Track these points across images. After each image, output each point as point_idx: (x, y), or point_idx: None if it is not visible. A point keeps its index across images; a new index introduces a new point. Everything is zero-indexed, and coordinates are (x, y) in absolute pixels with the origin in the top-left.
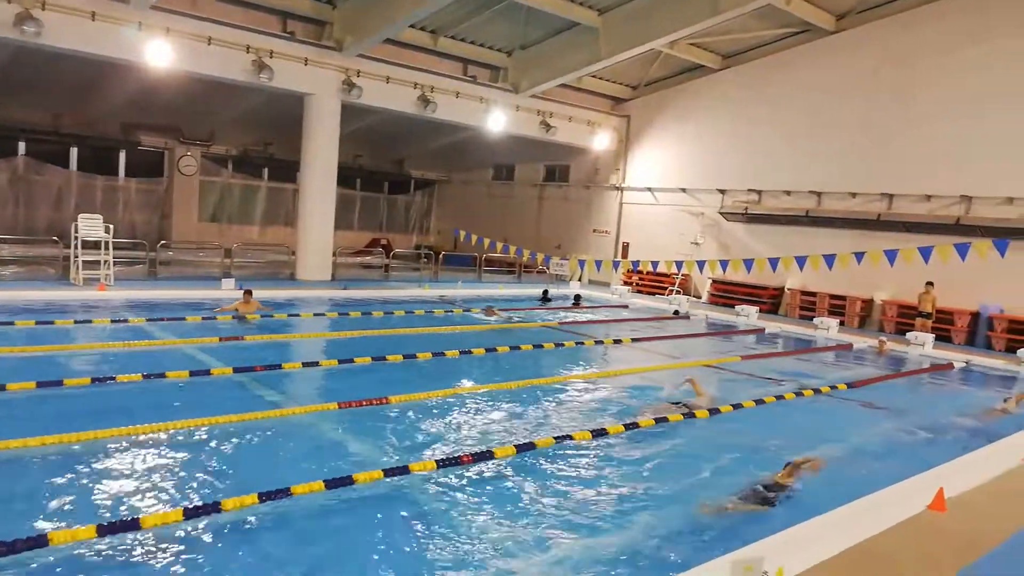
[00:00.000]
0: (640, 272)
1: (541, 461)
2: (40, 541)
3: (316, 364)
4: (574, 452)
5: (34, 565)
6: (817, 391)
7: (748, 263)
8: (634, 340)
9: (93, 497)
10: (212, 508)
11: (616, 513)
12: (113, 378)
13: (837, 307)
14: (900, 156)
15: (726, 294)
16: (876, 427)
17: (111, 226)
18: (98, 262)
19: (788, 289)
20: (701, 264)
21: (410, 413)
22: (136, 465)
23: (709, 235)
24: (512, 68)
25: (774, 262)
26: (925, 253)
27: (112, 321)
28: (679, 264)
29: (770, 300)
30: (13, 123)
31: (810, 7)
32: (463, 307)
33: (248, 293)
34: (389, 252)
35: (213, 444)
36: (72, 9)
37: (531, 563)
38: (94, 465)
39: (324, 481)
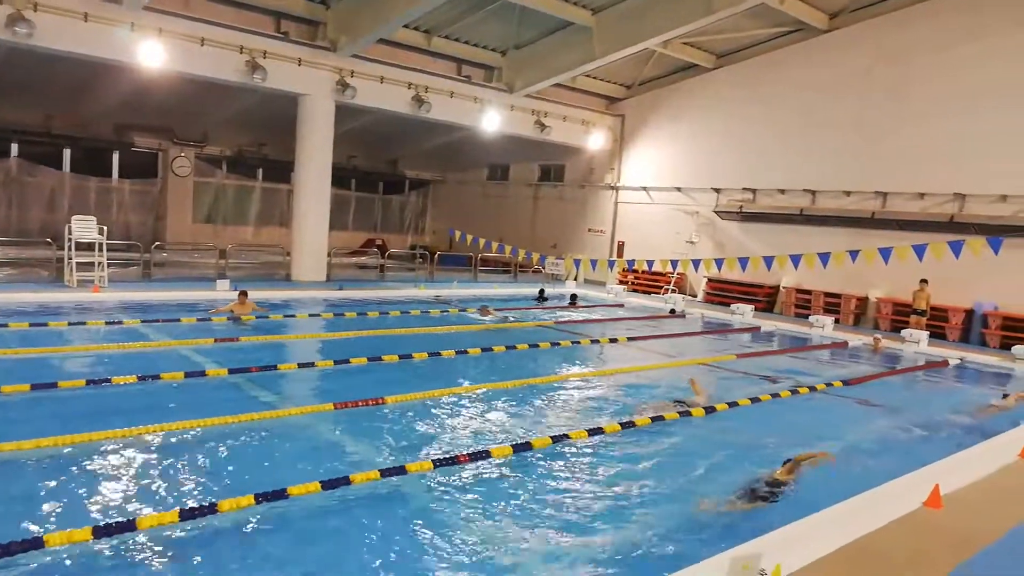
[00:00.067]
0: (635, 271)
1: (538, 460)
2: (36, 543)
3: (312, 365)
4: (571, 451)
5: (30, 567)
6: (813, 389)
7: (743, 262)
8: (630, 339)
9: (89, 499)
10: (208, 510)
11: (614, 511)
12: (108, 380)
13: (832, 305)
14: (894, 154)
15: (722, 293)
16: (872, 424)
17: (105, 228)
18: (92, 264)
19: (783, 287)
20: (696, 263)
21: (406, 413)
22: (132, 467)
23: (704, 234)
24: (506, 68)
25: (769, 260)
26: (919, 251)
27: (107, 323)
28: (674, 263)
29: (765, 298)
30: (6, 124)
31: (803, 6)
32: (458, 307)
33: (243, 294)
34: (384, 252)
35: (209, 446)
36: (64, 10)
37: (529, 562)
38: (89, 467)
39: (321, 482)
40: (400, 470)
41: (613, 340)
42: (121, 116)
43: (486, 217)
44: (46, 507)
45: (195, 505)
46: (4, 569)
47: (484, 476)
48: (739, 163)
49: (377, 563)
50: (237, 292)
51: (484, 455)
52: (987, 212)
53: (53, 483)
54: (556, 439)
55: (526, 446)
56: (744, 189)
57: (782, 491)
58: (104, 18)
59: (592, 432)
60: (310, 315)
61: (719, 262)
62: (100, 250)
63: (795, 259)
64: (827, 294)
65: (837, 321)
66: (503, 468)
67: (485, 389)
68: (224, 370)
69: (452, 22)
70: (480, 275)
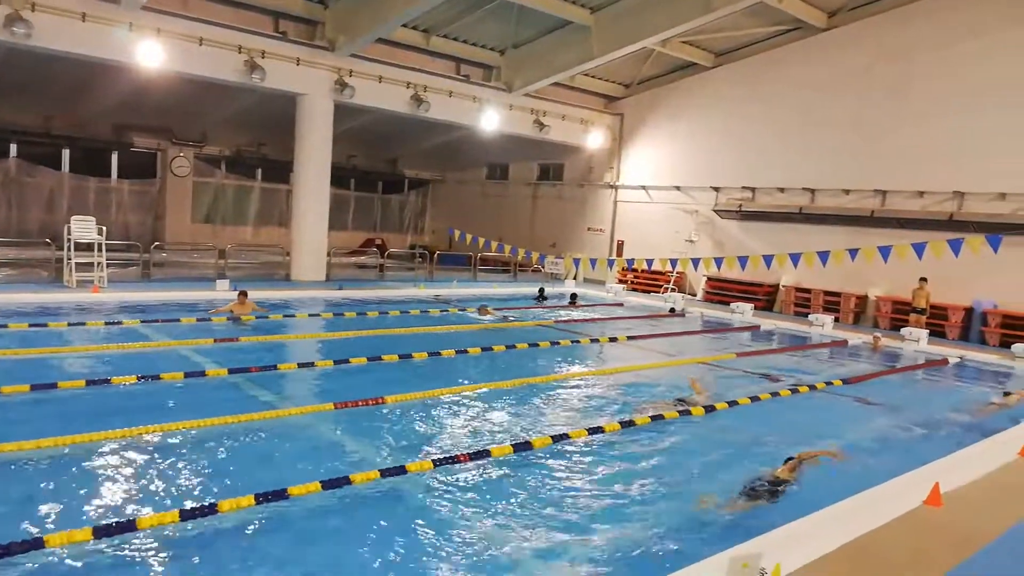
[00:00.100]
0: (635, 270)
1: (538, 460)
2: (36, 544)
3: (312, 365)
4: (571, 451)
5: (30, 567)
6: (813, 387)
7: (743, 260)
8: (630, 338)
9: (89, 499)
10: (208, 510)
11: (614, 510)
12: (108, 380)
13: (832, 304)
14: (893, 153)
15: (721, 291)
16: (872, 423)
17: (104, 228)
18: (91, 264)
19: (783, 286)
20: (696, 262)
21: (406, 413)
22: (132, 467)
23: (703, 233)
24: (505, 67)
25: (768, 259)
26: (919, 249)
27: (106, 323)
28: (674, 262)
29: (765, 297)
30: (4, 125)
31: (802, 4)
32: (458, 306)
33: (243, 294)
34: (384, 252)
35: (209, 446)
36: (62, 10)
37: (529, 561)
38: (90, 467)
39: (321, 482)
40: (400, 470)
41: (613, 339)
42: (120, 116)
43: (485, 216)
44: (46, 507)
45: (195, 505)
46: (5, 570)
47: (484, 476)
48: (738, 162)
49: (377, 563)
50: (237, 292)
51: (484, 454)
52: (986, 210)
53: (53, 483)
54: (556, 438)
55: (526, 445)
56: (743, 188)
57: (783, 489)
58: (102, 18)
59: (592, 431)
60: (310, 315)
61: (718, 261)
62: (99, 250)
63: (794, 258)
64: (827, 293)
65: (837, 320)
66: (503, 467)
67: (485, 389)
68: (224, 370)
69: (451, 21)
70: (480, 274)
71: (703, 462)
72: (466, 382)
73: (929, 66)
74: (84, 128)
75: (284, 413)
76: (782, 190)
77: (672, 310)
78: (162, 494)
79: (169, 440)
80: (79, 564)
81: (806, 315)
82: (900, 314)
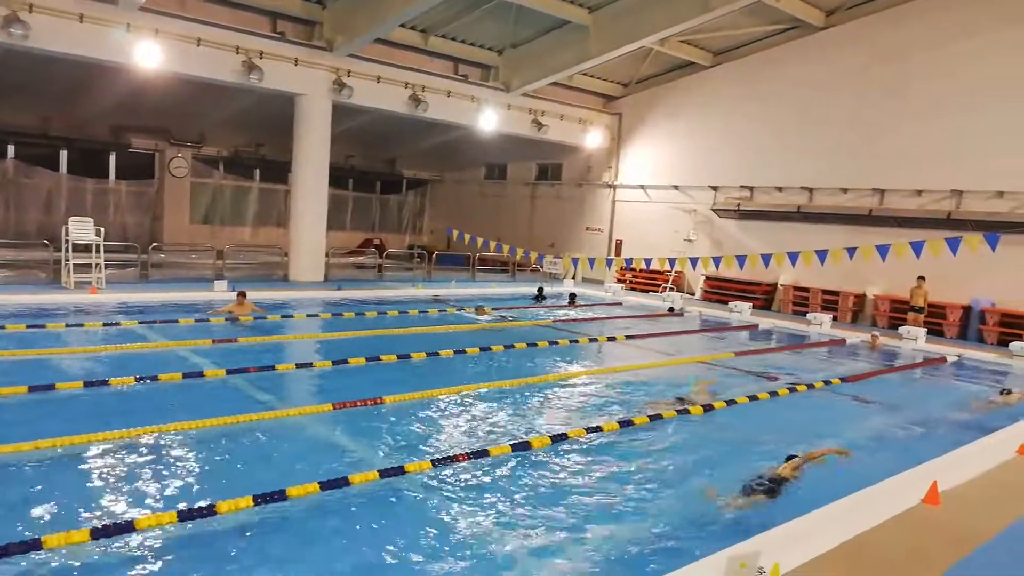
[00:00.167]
0: (633, 270)
1: (537, 459)
2: (34, 545)
3: (310, 365)
4: (570, 450)
5: (28, 569)
6: (811, 386)
7: (741, 259)
8: (628, 337)
9: (87, 500)
10: (207, 511)
11: (613, 509)
12: (106, 382)
13: (830, 302)
14: (891, 151)
15: (720, 290)
16: (870, 421)
17: (102, 229)
18: (89, 265)
19: (781, 285)
20: (694, 261)
21: (405, 413)
22: (130, 468)
23: (702, 232)
24: (503, 67)
25: (767, 258)
26: (917, 248)
27: (104, 324)
28: (672, 261)
29: (763, 296)
30: (2, 126)
31: (800, 3)
32: (456, 306)
33: (242, 295)
34: (382, 252)
35: (207, 446)
36: (60, 11)
37: (528, 560)
38: (88, 469)
39: (320, 483)
40: (399, 470)
41: (611, 339)
42: (117, 117)
43: (484, 216)
44: (45, 508)
45: (194, 506)
46: (3, 570)
47: (483, 475)
48: (736, 161)
49: (377, 563)
50: (235, 293)
51: (483, 454)
52: (984, 209)
53: (52, 485)
54: (555, 438)
55: (525, 445)
56: (742, 187)
57: (784, 488)
58: (100, 19)
59: (591, 431)
60: (308, 315)
61: (717, 260)
62: (97, 251)
63: (793, 256)
64: (825, 291)
65: (835, 318)
66: (502, 467)
67: (484, 389)
68: (222, 371)
69: (449, 21)
70: (478, 274)
71: (702, 461)
72: (465, 382)
73: (925, 66)
74: (82, 129)
75: (282, 414)
76: (780, 189)
77: (671, 309)
78: (160, 495)
79: (167, 441)
80: (78, 565)
81: (804, 314)
82: (898, 313)
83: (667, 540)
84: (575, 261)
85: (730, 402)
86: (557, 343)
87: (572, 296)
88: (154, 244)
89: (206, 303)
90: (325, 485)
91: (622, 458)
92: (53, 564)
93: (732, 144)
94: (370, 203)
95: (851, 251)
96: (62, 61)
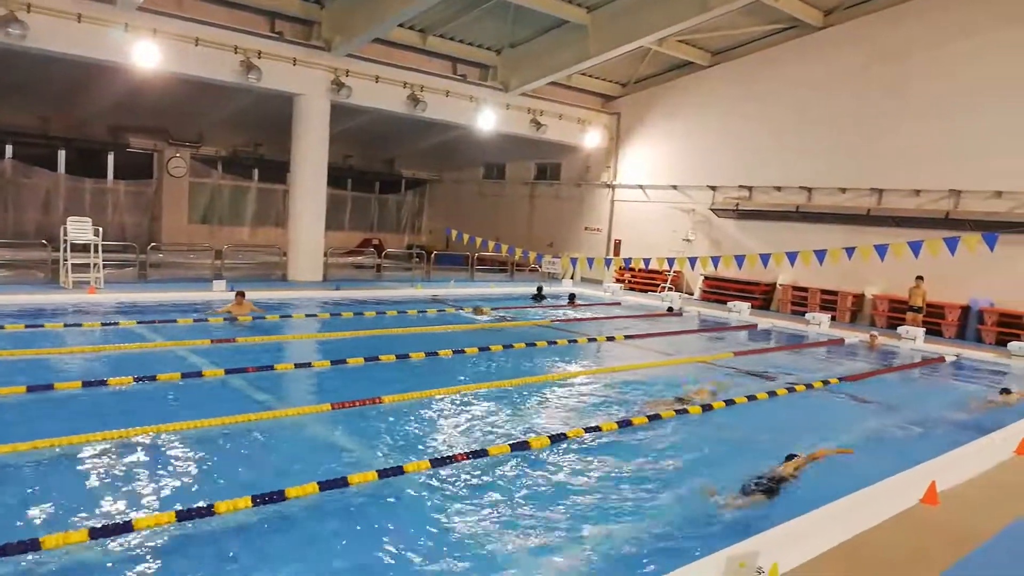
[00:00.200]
0: (632, 269)
1: (536, 459)
2: (32, 545)
3: (308, 365)
4: (569, 450)
5: (27, 569)
6: (810, 386)
7: (739, 259)
8: (627, 337)
9: (85, 500)
10: (205, 511)
11: (612, 509)
12: (104, 381)
13: (828, 302)
14: (889, 151)
15: (718, 290)
16: (868, 421)
17: (100, 229)
18: (88, 265)
19: (780, 285)
20: (693, 261)
21: (404, 413)
22: (129, 468)
23: (700, 232)
24: (501, 66)
25: (765, 258)
26: (915, 247)
27: (103, 324)
28: (671, 261)
29: (762, 296)
30: (0, 126)
31: (798, 3)
32: (455, 306)
33: (241, 295)
34: (381, 252)
35: (206, 446)
36: (58, 11)
37: (527, 560)
38: (86, 469)
39: (318, 483)
40: (398, 470)
41: (610, 338)
42: (116, 117)
43: (483, 216)
44: (43, 509)
45: (192, 507)
46: (1, 570)
47: (482, 475)
48: (735, 160)
49: (376, 563)
50: (234, 293)
51: (482, 454)
52: (982, 208)
53: (50, 485)
54: (554, 438)
55: (523, 445)
56: (740, 187)
57: (784, 487)
58: (98, 19)
59: (589, 431)
60: (307, 315)
61: (715, 260)
62: (96, 251)
63: (791, 256)
64: (823, 291)
65: (833, 318)
66: (501, 467)
67: (482, 389)
68: (221, 371)
69: (447, 21)
70: (477, 274)
71: (701, 461)
72: (463, 382)
73: (924, 65)
74: (80, 129)
75: (281, 414)
76: (779, 189)
77: (670, 309)
78: (159, 495)
79: (166, 441)
80: (76, 566)
81: (803, 314)
82: (897, 312)
83: (666, 540)
84: (574, 261)
85: (729, 402)
86: (556, 343)
87: (571, 296)
88: (152, 244)
89: (205, 303)
90: (324, 485)
91: (621, 458)
92: (52, 564)
93: (730, 144)
94: (369, 203)
95: (850, 251)
96: (60, 61)
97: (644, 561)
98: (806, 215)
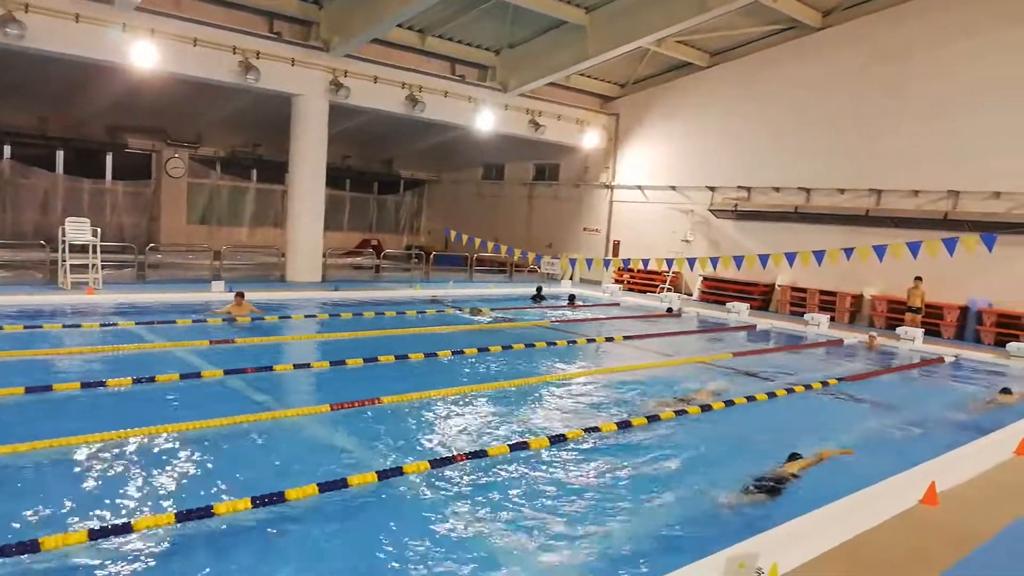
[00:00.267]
0: (631, 270)
1: (535, 460)
2: (31, 546)
3: (308, 366)
4: (568, 450)
5: (26, 570)
6: (809, 387)
7: (738, 260)
8: (626, 338)
9: (84, 502)
10: (204, 512)
11: (611, 510)
12: (103, 382)
13: (827, 303)
14: (887, 152)
15: (717, 291)
16: (867, 422)
17: (99, 229)
18: (86, 266)
19: (779, 285)
20: (692, 261)
21: (403, 414)
22: (127, 469)
23: (699, 232)
24: (500, 67)
25: (764, 259)
26: (914, 248)
27: (101, 325)
28: (670, 262)
29: (761, 297)
30: None
31: (796, 4)
32: (454, 307)
33: (240, 295)
34: (379, 253)
35: (205, 447)
36: (55, 11)
37: (526, 560)
38: (85, 470)
39: (318, 484)
40: (397, 471)
41: (609, 339)
42: (114, 117)
43: (481, 217)
44: (42, 509)
45: (191, 508)
46: (2, 571)
47: (481, 476)
48: (734, 161)
49: (375, 564)
50: (234, 294)
51: (481, 455)
52: (981, 209)
53: (48, 486)
54: (553, 439)
55: (523, 445)
56: (739, 187)
57: (785, 487)
58: (96, 19)
59: (589, 431)
60: (306, 316)
61: (714, 260)
62: (94, 252)
63: (790, 257)
64: (822, 292)
65: (832, 319)
66: (500, 468)
67: (481, 389)
68: (220, 371)
69: (446, 21)
70: (476, 275)
71: (701, 462)
72: (463, 383)
73: (923, 65)
74: (78, 129)
75: (280, 415)
76: (777, 189)
77: (669, 310)
78: (158, 496)
79: (165, 442)
80: (75, 566)
81: (802, 314)
82: (895, 313)
83: (666, 540)
84: (573, 262)
85: (728, 403)
86: (555, 344)
87: (571, 297)
88: (151, 245)
89: (203, 304)
90: (323, 487)
91: (620, 458)
92: (51, 565)
93: (729, 145)
94: (367, 203)
95: (848, 251)
96: (58, 61)
97: (644, 561)
98: (805, 216)
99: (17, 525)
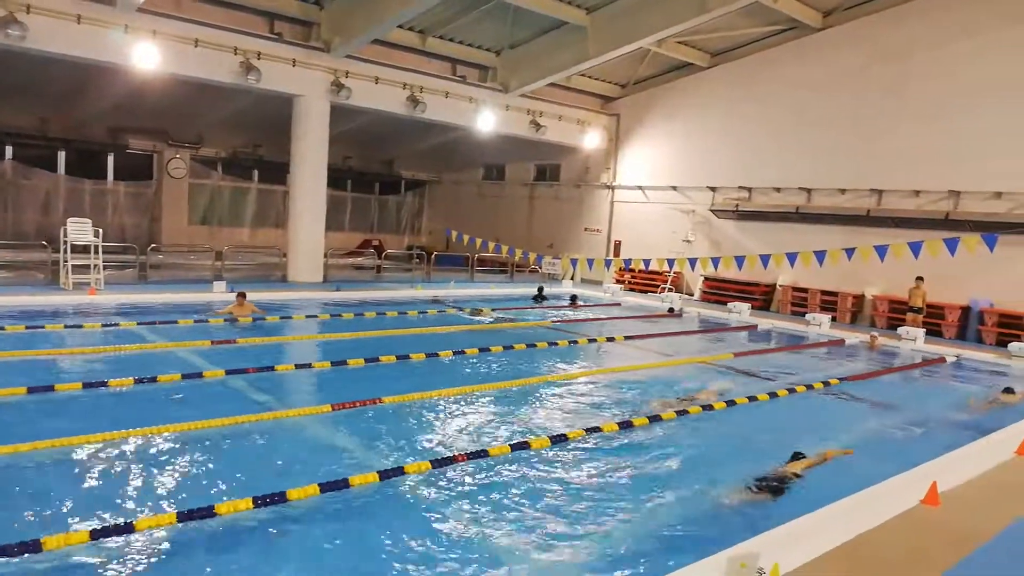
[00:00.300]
0: (632, 270)
1: (536, 460)
2: (33, 546)
3: (309, 366)
4: (569, 450)
5: (28, 570)
6: (810, 387)
7: (739, 260)
8: (627, 338)
9: (86, 502)
10: (206, 512)
11: (612, 510)
12: (105, 383)
13: (829, 303)
14: (889, 152)
15: (718, 291)
16: (868, 422)
17: (100, 230)
18: (88, 266)
19: (780, 286)
20: (693, 261)
21: (404, 414)
22: (129, 469)
23: (700, 232)
24: (501, 68)
25: (765, 259)
26: (915, 248)
27: (103, 325)
28: (671, 262)
29: (762, 297)
30: (0, 127)
31: (797, 4)
32: (454, 307)
33: (242, 296)
34: (381, 253)
35: (206, 448)
36: (57, 12)
37: (526, 560)
38: (86, 470)
39: (319, 484)
40: (399, 471)
41: (610, 339)
42: (115, 118)
43: (482, 217)
44: (43, 509)
45: (193, 508)
46: (2, 572)
47: (482, 476)
48: (734, 161)
49: (375, 564)
50: (235, 294)
51: (482, 455)
52: (982, 209)
53: (50, 486)
54: (554, 439)
55: (523, 445)
56: (740, 187)
57: (788, 487)
58: (97, 20)
59: (590, 431)
60: (307, 316)
61: (715, 261)
62: (96, 252)
63: (791, 257)
64: (823, 292)
65: (833, 319)
66: (501, 468)
67: (482, 389)
68: (221, 372)
69: (446, 22)
70: (477, 275)
71: (702, 461)
72: (464, 383)
73: (924, 66)
74: (80, 130)
75: (281, 415)
76: (778, 190)
77: (670, 310)
78: (159, 496)
79: (166, 442)
80: (77, 566)
81: (803, 315)
82: (897, 313)
83: (666, 540)
84: (574, 262)
85: (730, 403)
86: (556, 344)
87: (573, 297)
88: (152, 245)
89: (205, 304)
90: (325, 487)
91: (621, 458)
92: (51, 565)
93: (730, 145)
94: (368, 204)
95: (849, 252)
96: (60, 62)
97: (645, 561)
98: (806, 216)
99: (19, 525)
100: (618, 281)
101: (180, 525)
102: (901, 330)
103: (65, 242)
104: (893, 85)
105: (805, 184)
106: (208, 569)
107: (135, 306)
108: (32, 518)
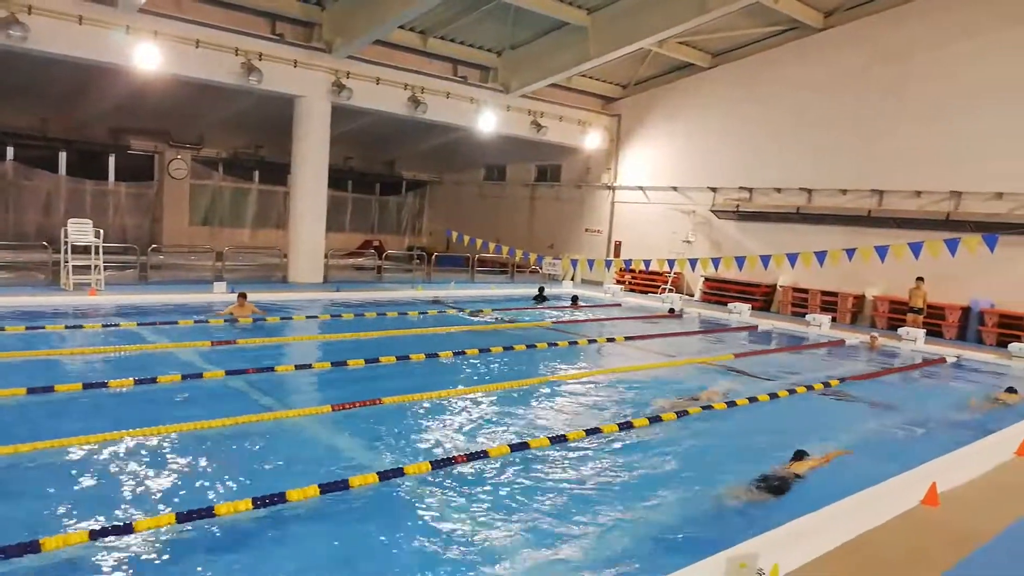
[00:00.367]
0: (632, 271)
1: (536, 460)
2: (32, 547)
3: (309, 367)
4: (568, 451)
5: (27, 570)
6: (810, 387)
7: (740, 261)
8: (628, 339)
9: (85, 502)
10: (205, 513)
11: (612, 510)
12: (105, 383)
13: (829, 303)
14: (889, 153)
15: (719, 292)
16: (869, 422)
17: (101, 230)
18: (88, 267)
19: (780, 286)
20: (693, 262)
21: (404, 414)
22: (129, 470)
23: (701, 233)
24: (502, 68)
25: (766, 259)
26: (915, 249)
27: (103, 326)
28: (671, 262)
29: (762, 297)
30: (1, 128)
31: (798, 4)
32: (454, 308)
33: (243, 296)
34: (381, 254)
35: (205, 448)
36: (59, 13)
37: (526, 561)
38: (86, 470)
39: (319, 485)
40: (398, 471)
41: (611, 340)
42: (117, 119)
43: (483, 218)
44: (43, 510)
45: (192, 508)
46: (1, 572)
47: (482, 476)
48: (735, 162)
49: (377, 564)
50: (236, 295)
51: (482, 455)
52: (983, 210)
53: (49, 486)
54: (554, 439)
55: (523, 446)
56: (740, 188)
57: (789, 487)
58: (99, 21)
59: (590, 432)
60: (308, 317)
61: (716, 261)
62: (96, 253)
63: (792, 258)
64: (824, 293)
65: (834, 319)
66: (501, 468)
67: (482, 390)
68: (222, 372)
69: (447, 23)
70: (477, 276)
71: (701, 462)
72: (464, 384)
73: (925, 66)
74: (81, 131)
75: (282, 415)
76: (779, 190)
77: (671, 310)
78: (159, 497)
79: (166, 443)
80: (77, 566)
81: (803, 315)
82: (897, 314)
83: (666, 540)
84: (574, 262)
85: (730, 403)
86: (556, 344)
87: (574, 298)
88: (153, 246)
89: (205, 305)
90: (325, 487)
91: (622, 459)
92: (52, 565)
93: (731, 145)
94: (369, 204)
95: (850, 252)
96: (61, 63)
97: (645, 561)
98: (806, 216)
99: (18, 525)
100: (618, 282)
101: (180, 526)
102: (901, 331)
103: (66, 243)
104: (894, 86)
105: (806, 185)
106: (208, 570)
107: (135, 307)
108: (31, 518)
